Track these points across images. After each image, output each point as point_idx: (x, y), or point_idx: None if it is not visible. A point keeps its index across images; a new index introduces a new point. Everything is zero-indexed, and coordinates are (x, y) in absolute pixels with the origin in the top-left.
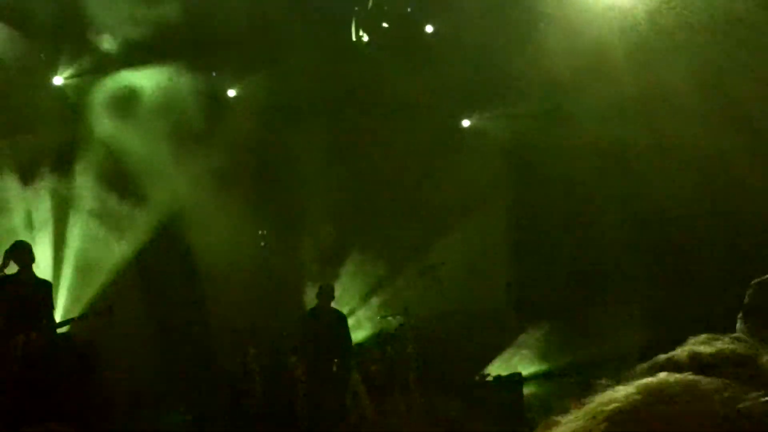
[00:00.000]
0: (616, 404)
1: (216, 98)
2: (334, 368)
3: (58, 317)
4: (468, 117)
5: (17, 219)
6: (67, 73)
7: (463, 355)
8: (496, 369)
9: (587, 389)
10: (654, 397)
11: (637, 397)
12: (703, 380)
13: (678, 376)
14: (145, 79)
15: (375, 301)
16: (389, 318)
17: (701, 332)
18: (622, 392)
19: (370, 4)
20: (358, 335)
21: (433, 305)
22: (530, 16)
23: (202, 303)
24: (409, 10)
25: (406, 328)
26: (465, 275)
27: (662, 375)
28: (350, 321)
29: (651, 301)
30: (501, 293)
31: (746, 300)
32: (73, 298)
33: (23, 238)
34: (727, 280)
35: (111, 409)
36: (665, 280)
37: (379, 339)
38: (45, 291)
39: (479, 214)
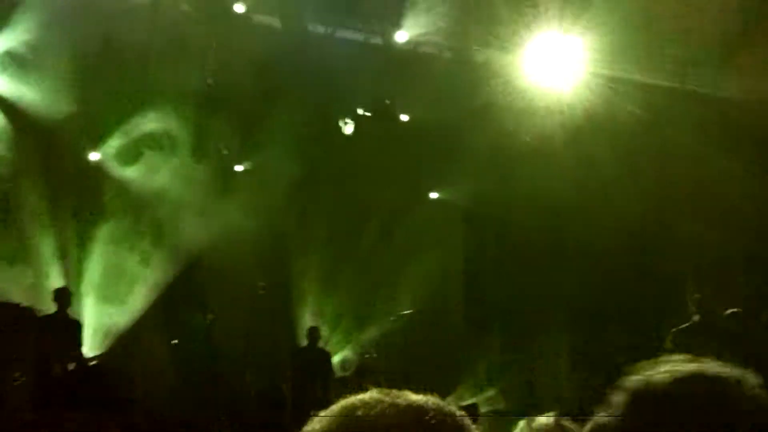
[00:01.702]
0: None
1: (227, 171)
2: (318, 393)
3: (88, 351)
4: (435, 189)
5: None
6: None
7: (426, 386)
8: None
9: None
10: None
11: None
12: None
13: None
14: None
15: (357, 341)
16: (368, 355)
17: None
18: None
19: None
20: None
21: (401, 344)
22: (486, 103)
23: (211, 334)
24: (387, 102)
25: (379, 363)
26: (427, 320)
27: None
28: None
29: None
30: (454, 334)
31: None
32: (102, 333)
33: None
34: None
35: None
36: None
37: (358, 372)
38: (76, 328)
39: (439, 266)
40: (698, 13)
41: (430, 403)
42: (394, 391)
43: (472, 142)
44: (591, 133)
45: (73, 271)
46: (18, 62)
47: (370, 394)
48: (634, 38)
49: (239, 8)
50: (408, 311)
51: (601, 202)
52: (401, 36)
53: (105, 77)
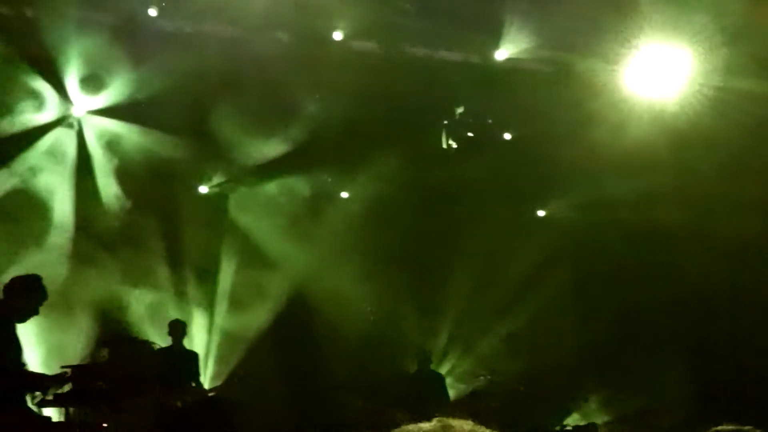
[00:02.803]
0: None
1: (330, 199)
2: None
3: (206, 383)
4: (541, 208)
5: (168, 298)
6: (212, 182)
7: (544, 409)
8: (574, 420)
9: None
10: None
11: None
12: None
13: None
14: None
15: (466, 363)
16: (480, 377)
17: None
18: None
19: (457, 116)
20: (452, 392)
21: (515, 366)
22: (590, 117)
23: (322, 362)
24: (490, 121)
25: (493, 386)
26: (539, 340)
27: None
28: (447, 380)
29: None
30: (572, 354)
31: None
32: (219, 365)
33: (176, 316)
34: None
35: None
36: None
37: (470, 396)
38: (194, 360)
39: (547, 287)
40: None
41: None
42: (456, 421)
43: (577, 157)
44: (697, 146)
45: (190, 301)
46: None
47: (431, 424)
48: (744, 49)
49: (337, 36)
50: (519, 332)
51: (707, 218)
52: (501, 54)
53: (207, 109)
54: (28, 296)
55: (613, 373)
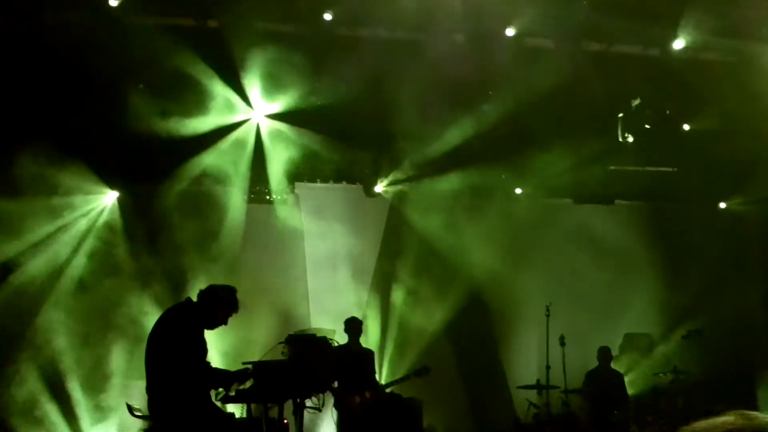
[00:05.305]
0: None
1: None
2: (614, 419)
3: (383, 379)
4: (724, 200)
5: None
6: (387, 181)
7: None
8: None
9: None
10: None
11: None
12: None
13: None
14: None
15: (648, 361)
16: (661, 375)
17: None
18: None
19: (633, 109)
20: (634, 389)
21: (698, 364)
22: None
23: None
24: (668, 112)
25: (676, 384)
26: (725, 339)
27: None
28: (627, 378)
29: None
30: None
31: None
32: (395, 362)
33: (354, 315)
34: None
35: None
36: None
37: (653, 394)
38: (370, 358)
39: (732, 282)
40: None
41: None
42: (752, 413)
43: (760, 148)
44: None
45: (371, 301)
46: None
47: (731, 417)
48: None
49: (510, 32)
50: (701, 327)
51: None
52: (678, 44)
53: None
54: (222, 307)
55: None
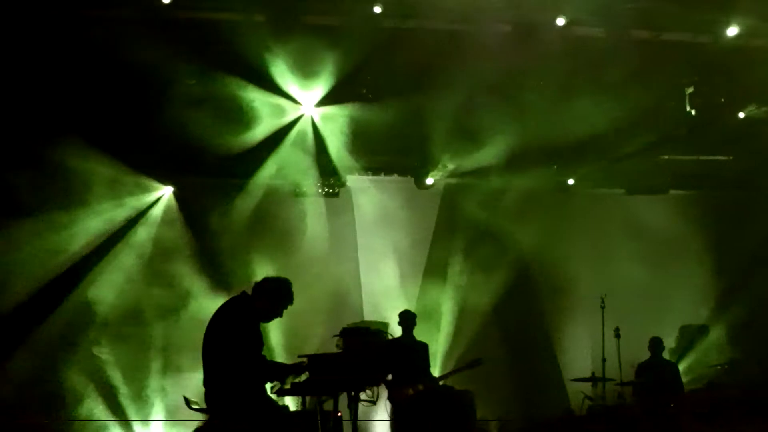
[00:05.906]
0: None
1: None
2: (670, 411)
3: (436, 371)
4: None
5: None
6: (438, 173)
7: None
8: None
9: None
10: None
11: None
12: None
13: None
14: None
15: (703, 353)
16: (717, 367)
17: None
18: None
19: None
20: (689, 381)
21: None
22: None
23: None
24: (722, 100)
25: (732, 376)
26: None
27: None
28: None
29: None
30: None
31: None
32: (448, 354)
33: (407, 308)
34: None
35: None
36: None
37: (708, 386)
38: (424, 350)
39: None
40: None
41: None
42: None
43: None
44: None
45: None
46: None
47: None
48: None
49: (560, 21)
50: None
51: None
52: (732, 31)
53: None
54: (277, 300)
55: None
